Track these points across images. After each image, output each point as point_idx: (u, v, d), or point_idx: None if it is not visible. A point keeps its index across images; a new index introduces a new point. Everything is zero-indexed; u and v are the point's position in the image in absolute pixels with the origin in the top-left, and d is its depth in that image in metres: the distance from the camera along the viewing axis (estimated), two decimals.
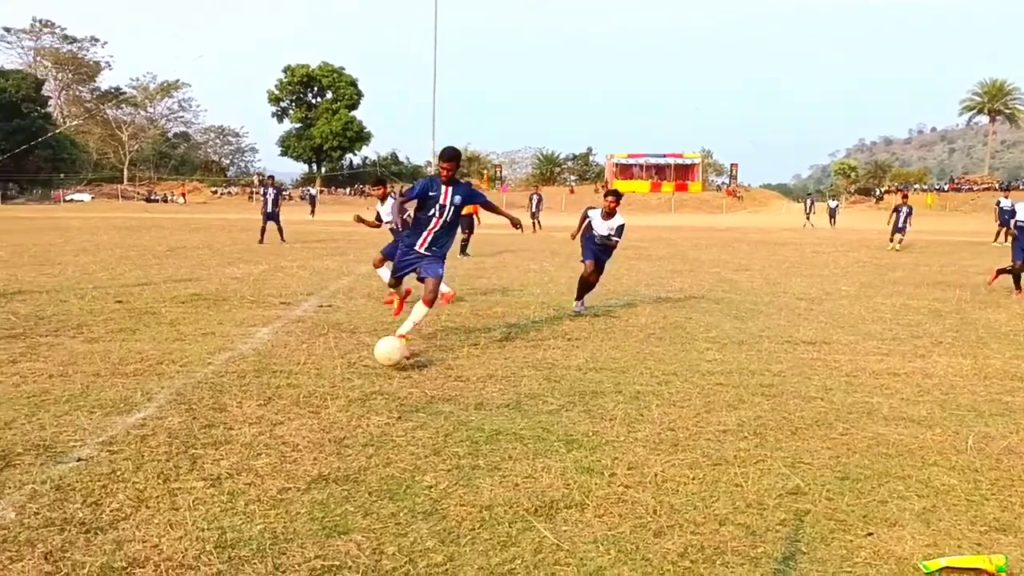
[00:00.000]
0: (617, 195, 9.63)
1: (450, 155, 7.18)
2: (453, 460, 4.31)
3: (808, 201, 48.77)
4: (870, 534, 3.46)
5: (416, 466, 4.20)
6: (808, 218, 45.05)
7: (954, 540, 3.42)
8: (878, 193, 78.40)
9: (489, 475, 4.10)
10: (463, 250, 18.38)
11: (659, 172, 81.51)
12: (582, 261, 9.75)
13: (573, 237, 10.02)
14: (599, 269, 9.79)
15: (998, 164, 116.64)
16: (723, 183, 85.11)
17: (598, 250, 9.73)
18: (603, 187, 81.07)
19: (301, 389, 5.71)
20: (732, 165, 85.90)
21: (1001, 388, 6.19)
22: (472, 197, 7.39)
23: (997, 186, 74.36)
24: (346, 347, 7.29)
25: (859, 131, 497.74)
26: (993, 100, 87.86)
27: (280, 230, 22.02)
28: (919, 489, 3.99)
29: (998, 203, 27.48)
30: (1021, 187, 69.24)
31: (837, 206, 48.24)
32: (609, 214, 9.49)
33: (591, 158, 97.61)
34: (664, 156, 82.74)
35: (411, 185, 7.60)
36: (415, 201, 7.23)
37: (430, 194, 7.08)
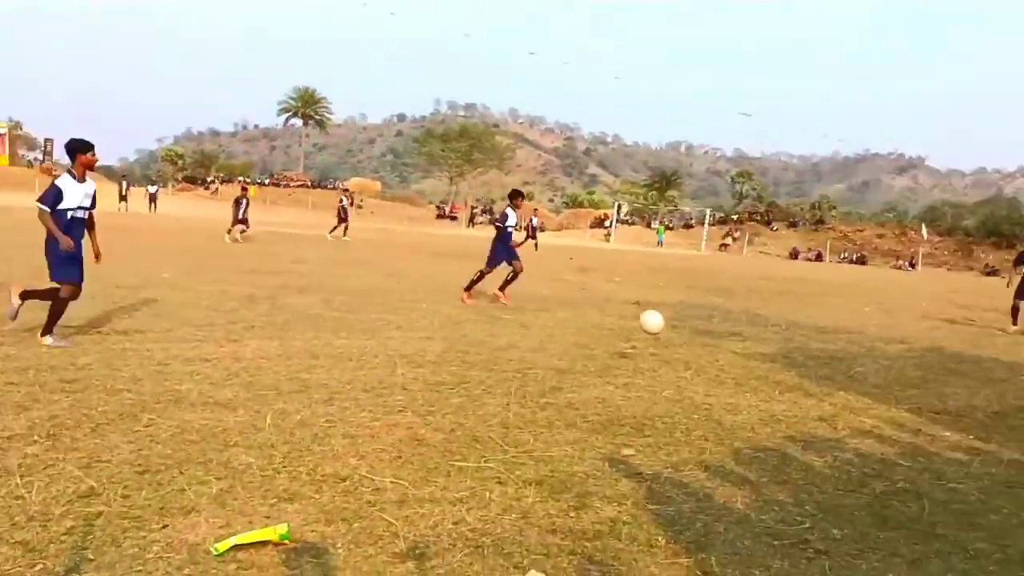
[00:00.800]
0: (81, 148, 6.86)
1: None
2: None
3: (123, 184, 46.98)
4: (165, 526, 3.39)
5: None
6: (124, 200, 43.57)
7: (247, 517, 3.57)
8: (211, 182, 79.96)
9: None
10: None
11: None
12: (60, 281, 6.94)
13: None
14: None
15: (311, 164, 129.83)
16: (36, 159, 75.99)
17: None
18: None
19: None
20: (46, 140, 77.16)
21: (300, 366, 6.78)
22: None
23: (310, 184, 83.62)
24: None
25: (187, 120, 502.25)
26: (306, 106, 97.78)
27: None
28: (218, 472, 4.08)
29: (340, 201, 31.50)
30: (328, 186, 79.18)
31: (157, 191, 48.32)
32: (83, 177, 6.92)
33: None
34: None
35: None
36: None
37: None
